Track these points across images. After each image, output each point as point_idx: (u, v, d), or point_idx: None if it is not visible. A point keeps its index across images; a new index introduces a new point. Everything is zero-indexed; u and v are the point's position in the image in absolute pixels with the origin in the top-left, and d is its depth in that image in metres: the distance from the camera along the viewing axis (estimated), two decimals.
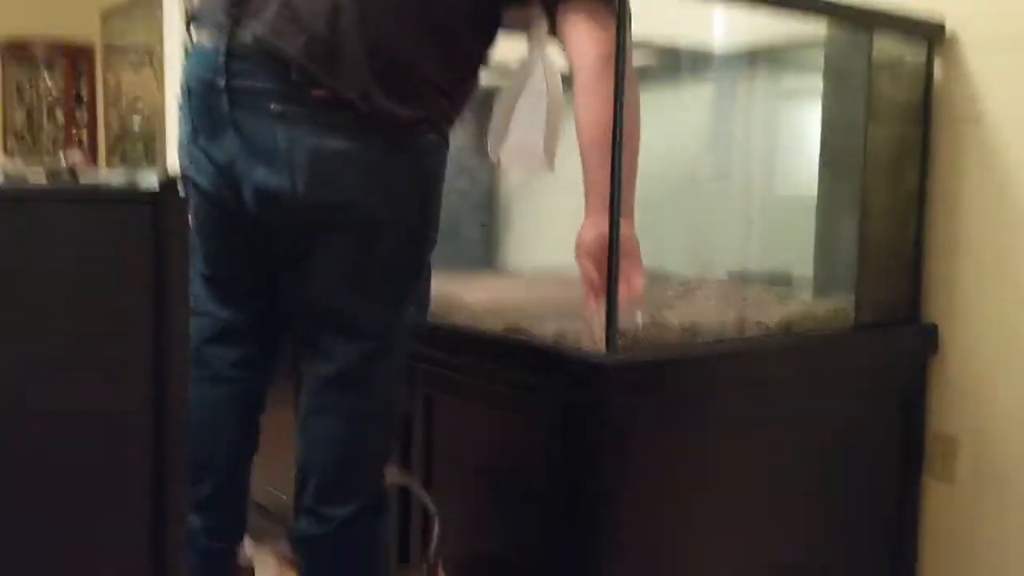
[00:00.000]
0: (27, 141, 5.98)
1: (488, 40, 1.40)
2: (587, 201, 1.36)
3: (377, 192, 1.27)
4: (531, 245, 2.50)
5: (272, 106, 1.23)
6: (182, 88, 1.35)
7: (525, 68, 1.46)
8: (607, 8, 1.33)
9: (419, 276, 1.39)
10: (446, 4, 1.30)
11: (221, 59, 1.25)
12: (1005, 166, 1.67)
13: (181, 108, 1.35)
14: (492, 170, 2.59)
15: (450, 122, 1.36)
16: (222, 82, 1.25)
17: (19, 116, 5.97)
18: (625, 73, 1.32)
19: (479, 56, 1.39)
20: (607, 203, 1.31)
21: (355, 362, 1.33)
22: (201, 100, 1.29)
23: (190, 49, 1.34)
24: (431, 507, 1.53)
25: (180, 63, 1.42)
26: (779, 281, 1.91)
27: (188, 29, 1.35)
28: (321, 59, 1.22)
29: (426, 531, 1.63)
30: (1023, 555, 1.68)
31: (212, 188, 1.32)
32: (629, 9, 1.32)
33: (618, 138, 1.31)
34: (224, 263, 1.39)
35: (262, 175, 1.25)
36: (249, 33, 1.23)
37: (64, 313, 0.86)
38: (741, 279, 1.94)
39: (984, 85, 1.69)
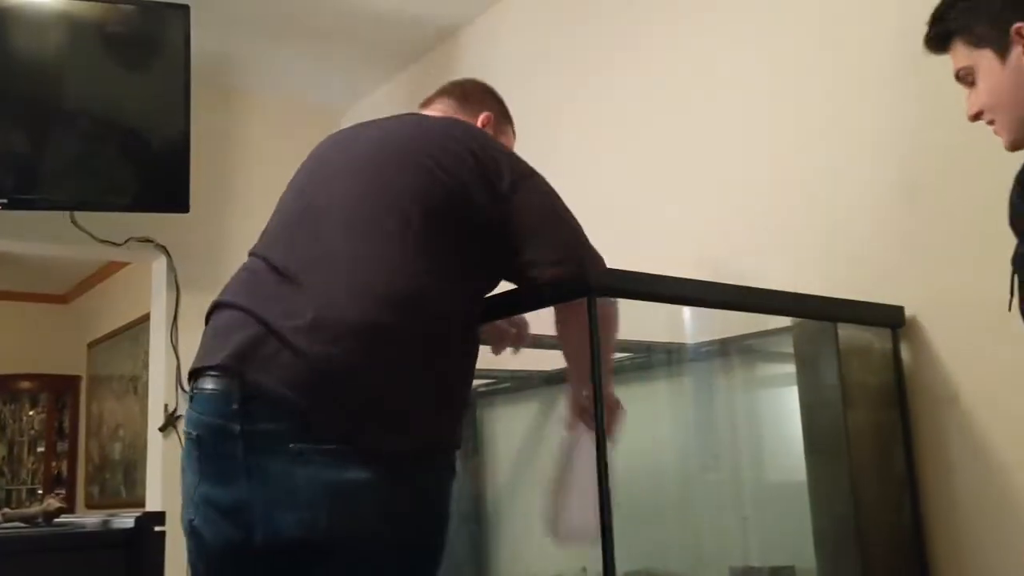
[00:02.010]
0: (6, 475, 5.90)
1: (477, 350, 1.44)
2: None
3: (391, 520, 1.25)
4: (525, 554, 2.41)
5: (291, 446, 1.22)
6: (188, 437, 1.34)
7: (570, 445, 1.55)
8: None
9: None
10: (454, 333, 1.34)
11: (235, 404, 1.25)
12: (990, 443, 1.66)
13: (186, 457, 1.34)
14: (477, 477, 2.56)
15: (453, 441, 1.36)
16: (237, 428, 1.24)
17: (0, 450, 5.94)
18: (599, 374, 1.39)
19: (473, 369, 1.42)
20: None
21: None
22: (211, 445, 1.28)
23: (191, 395, 1.34)
24: None
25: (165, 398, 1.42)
26: (783, 575, 1.83)
27: (187, 378, 1.37)
28: (331, 410, 1.23)
29: None
30: None
31: (218, 536, 1.28)
32: (596, 316, 1.39)
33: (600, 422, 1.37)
34: None
35: (281, 517, 1.23)
36: (262, 379, 1.25)
37: None
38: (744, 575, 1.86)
39: (953, 365, 1.73)
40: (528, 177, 1.44)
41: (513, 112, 1.74)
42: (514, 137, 1.74)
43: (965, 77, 1.27)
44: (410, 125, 1.51)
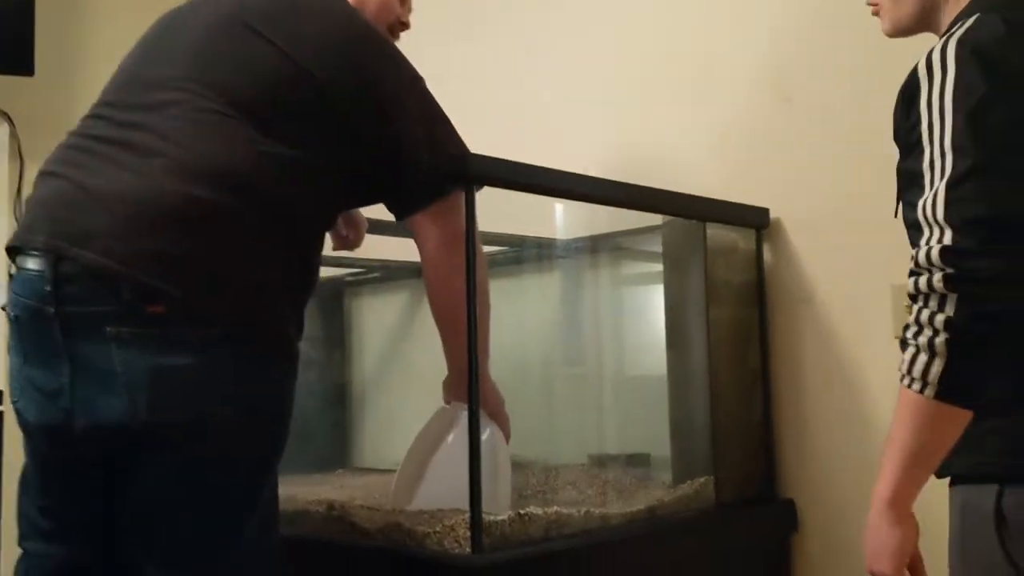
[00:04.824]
0: None
1: (325, 234, 1.39)
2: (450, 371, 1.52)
3: (223, 407, 1.20)
4: (389, 440, 2.42)
5: (107, 329, 1.15)
6: (9, 318, 1.25)
7: (443, 420, 1.53)
8: (449, 203, 1.39)
9: (263, 492, 1.29)
10: (299, 216, 1.28)
11: (48, 287, 1.17)
12: (839, 340, 1.76)
13: (10, 339, 1.26)
14: (343, 365, 2.54)
15: (298, 322, 1.31)
16: (51, 309, 1.17)
17: None
18: (476, 260, 1.38)
19: (319, 252, 1.37)
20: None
21: None
22: (30, 328, 1.21)
23: (12, 274, 1.26)
24: None
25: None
26: (639, 463, 1.90)
27: (9, 254, 1.28)
28: (157, 272, 1.16)
29: None
30: None
31: (41, 418, 1.22)
32: (475, 206, 1.38)
33: (473, 316, 1.37)
34: (57, 495, 1.27)
35: (100, 402, 1.17)
36: (76, 256, 1.17)
37: None
38: (601, 462, 1.93)
39: (811, 265, 1.80)
40: (400, 73, 1.37)
41: None
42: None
43: None
44: None
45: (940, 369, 0.99)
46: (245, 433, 1.22)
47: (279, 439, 1.28)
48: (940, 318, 0.98)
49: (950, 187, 1.00)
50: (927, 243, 1.00)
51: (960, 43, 1.04)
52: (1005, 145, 1.01)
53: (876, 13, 1.28)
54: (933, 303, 0.99)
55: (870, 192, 1.71)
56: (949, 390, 0.99)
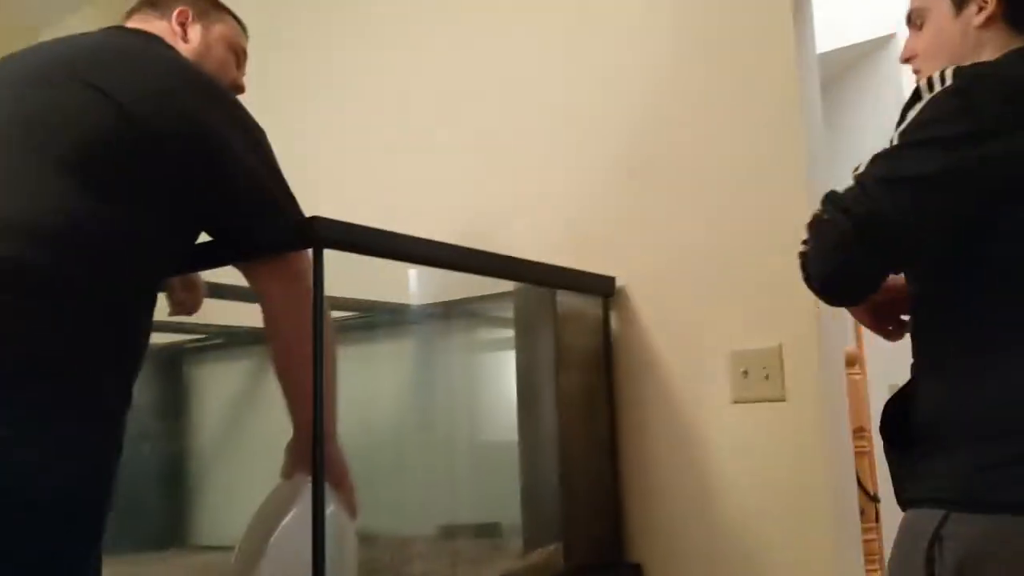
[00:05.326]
0: None
1: (155, 295, 1.31)
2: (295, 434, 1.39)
3: (23, 487, 1.06)
4: (229, 516, 2.31)
5: None
6: None
7: (284, 493, 1.42)
8: (295, 264, 1.34)
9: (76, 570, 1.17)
10: (124, 275, 1.20)
11: None
12: (681, 404, 1.80)
13: None
14: (180, 434, 2.41)
15: (122, 390, 1.20)
16: None
17: None
18: (323, 329, 1.32)
19: (149, 315, 1.28)
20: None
21: None
22: None
23: None
24: None
25: None
26: (489, 532, 1.88)
27: None
28: None
29: None
30: None
31: None
32: (323, 270, 1.34)
33: (319, 389, 1.31)
34: None
35: None
36: None
37: None
38: (452, 533, 1.90)
39: (654, 332, 1.85)
40: (232, 123, 1.32)
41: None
42: (234, 23, 1.55)
43: (915, 19, 1.29)
44: (88, 42, 1.32)
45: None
46: (48, 518, 1.09)
47: (95, 521, 1.15)
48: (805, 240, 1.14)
49: (856, 179, 1.10)
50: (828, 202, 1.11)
51: (958, 73, 1.09)
52: (919, 183, 1.06)
53: (916, 70, 1.29)
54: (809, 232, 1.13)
55: (711, 262, 1.79)
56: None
